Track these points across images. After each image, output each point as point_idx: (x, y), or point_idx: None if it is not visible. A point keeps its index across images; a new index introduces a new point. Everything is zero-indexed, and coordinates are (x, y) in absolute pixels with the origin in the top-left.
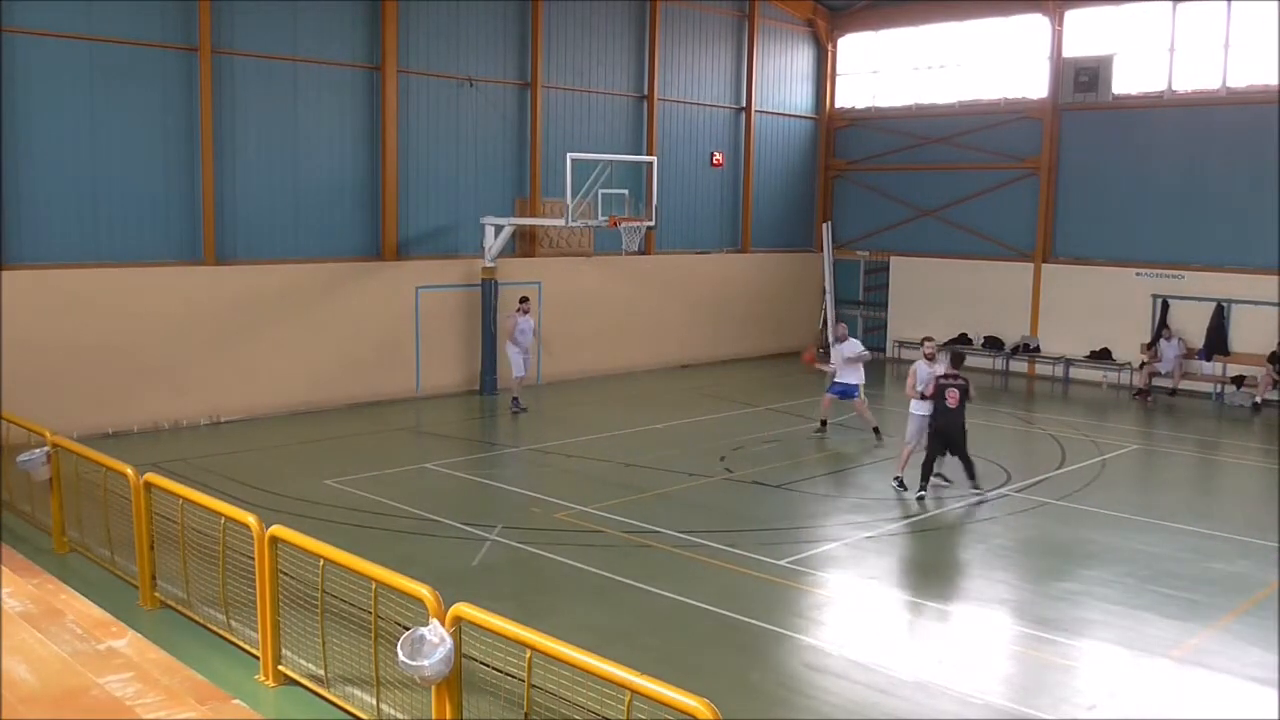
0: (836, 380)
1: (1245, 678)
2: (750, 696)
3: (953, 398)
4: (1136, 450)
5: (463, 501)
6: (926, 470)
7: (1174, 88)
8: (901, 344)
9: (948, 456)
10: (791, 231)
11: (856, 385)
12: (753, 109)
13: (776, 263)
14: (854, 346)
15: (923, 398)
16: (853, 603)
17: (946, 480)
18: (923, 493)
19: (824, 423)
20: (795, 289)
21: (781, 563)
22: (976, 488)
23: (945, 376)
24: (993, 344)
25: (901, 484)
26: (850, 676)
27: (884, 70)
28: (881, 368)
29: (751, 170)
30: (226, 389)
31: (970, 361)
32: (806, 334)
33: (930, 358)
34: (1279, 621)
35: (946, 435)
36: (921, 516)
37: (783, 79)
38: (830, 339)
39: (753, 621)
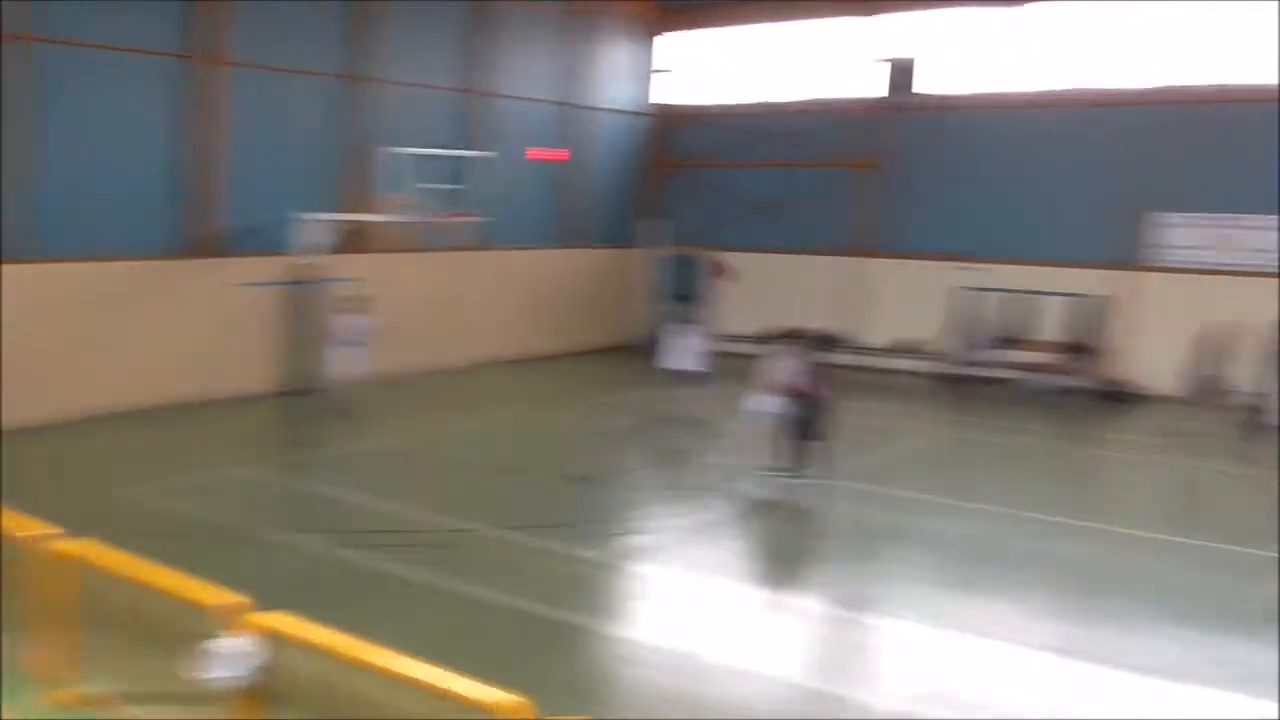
0: (686, 369)
1: (1042, 648)
2: (565, 693)
3: (822, 388)
4: (947, 436)
5: (280, 506)
6: (795, 457)
7: (993, 89)
8: (734, 338)
9: (802, 444)
10: (624, 227)
11: (702, 373)
12: (585, 105)
13: (608, 258)
14: (702, 334)
15: (792, 392)
16: (670, 592)
17: (789, 469)
18: (798, 479)
19: (661, 418)
20: (627, 284)
21: (601, 556)
22: (824, 477)
23: (814, 367)
24: (820, 337)
25: (773, 471)
26: (663, 666)
27: (717, 68)
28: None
29: (584, 166)
30: (39, 393)
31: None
32: (638, 329)
33: (793, 351)
34: None
35: (815, 424)
36: (741, 505)
37: (615, 75)
38: (677, 331)
39: (572, 616)
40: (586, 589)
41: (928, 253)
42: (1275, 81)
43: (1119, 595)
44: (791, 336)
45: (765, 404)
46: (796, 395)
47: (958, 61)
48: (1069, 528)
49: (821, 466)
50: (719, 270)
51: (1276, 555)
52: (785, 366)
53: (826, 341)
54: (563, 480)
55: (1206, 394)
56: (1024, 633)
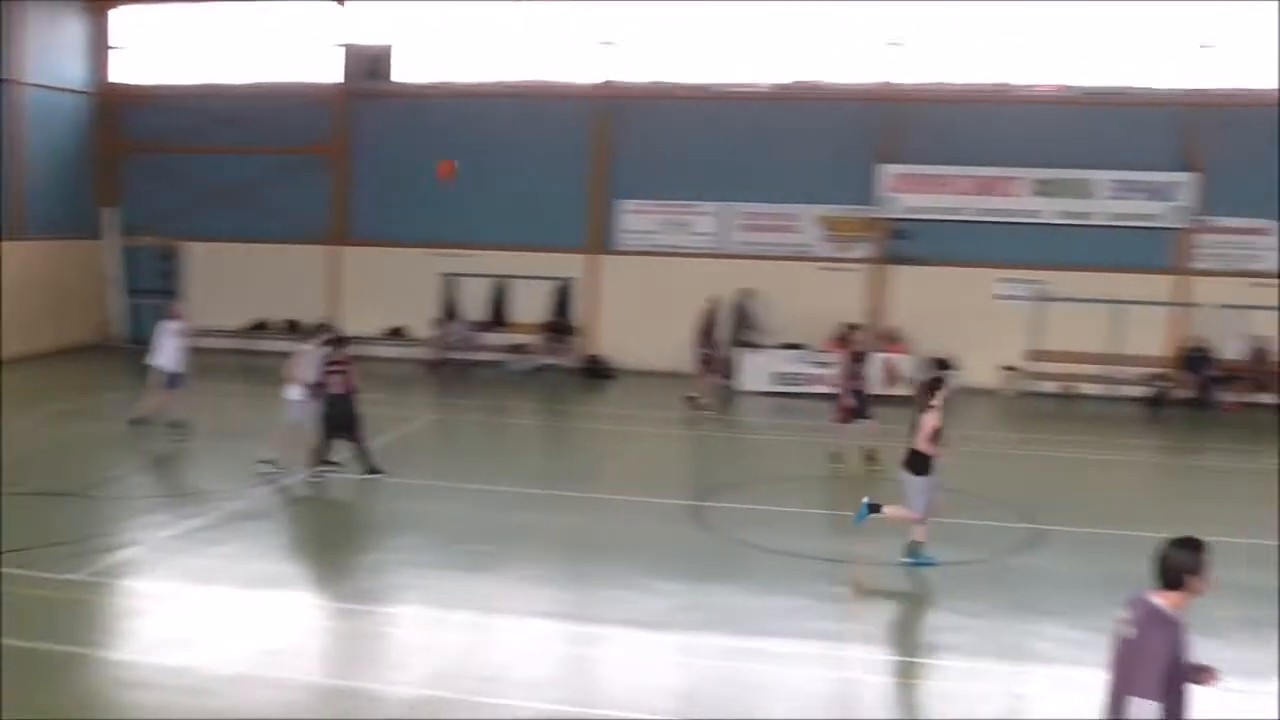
0: (164, 367)
1: (544, 615)
2: None
3: (342, 383)
4: (435, 420)
5: None
6: (318, 454)
7: (467, 79)
8: (207, 332)
9: (327, 438)
10: (71, 217)
11: (179, 372)
12: (18, 82)
13: (53, 251)
14: (178, 330)
15: (312, 385)
16: (165, 606)
17: (335, 464)
18: (318, 477)
19: (143, 420)
20: (76, 278)
21: (80, 577)
22: (375, 471)
23: (333, 362)
24: (294, 328)
25: (273, 466)
26: (162, 684)
27: (173, 46)
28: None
29: (19, 150)
30: None
31: (271, 346)
32: (91, 326)
33: (321, 343)
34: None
35: (340, 421)
36: (232, 507)
37: (53, 50)
38: (154, 326)
39: (52, 646)
40: (70, 614)
41: (410, 240)
42: (714, 80)
43: (609, 557)
44: (311, 330)
45: (292, 397)
46: (321, 389)
47: (432, 50)
48: (562, 498)
49: (347, 459)
50: (444, 171)
51: (742, 506)
52: (308, 360)
53: (344, 335)
54: (22, 497)
55: (705, 365)
56: (527, 603)
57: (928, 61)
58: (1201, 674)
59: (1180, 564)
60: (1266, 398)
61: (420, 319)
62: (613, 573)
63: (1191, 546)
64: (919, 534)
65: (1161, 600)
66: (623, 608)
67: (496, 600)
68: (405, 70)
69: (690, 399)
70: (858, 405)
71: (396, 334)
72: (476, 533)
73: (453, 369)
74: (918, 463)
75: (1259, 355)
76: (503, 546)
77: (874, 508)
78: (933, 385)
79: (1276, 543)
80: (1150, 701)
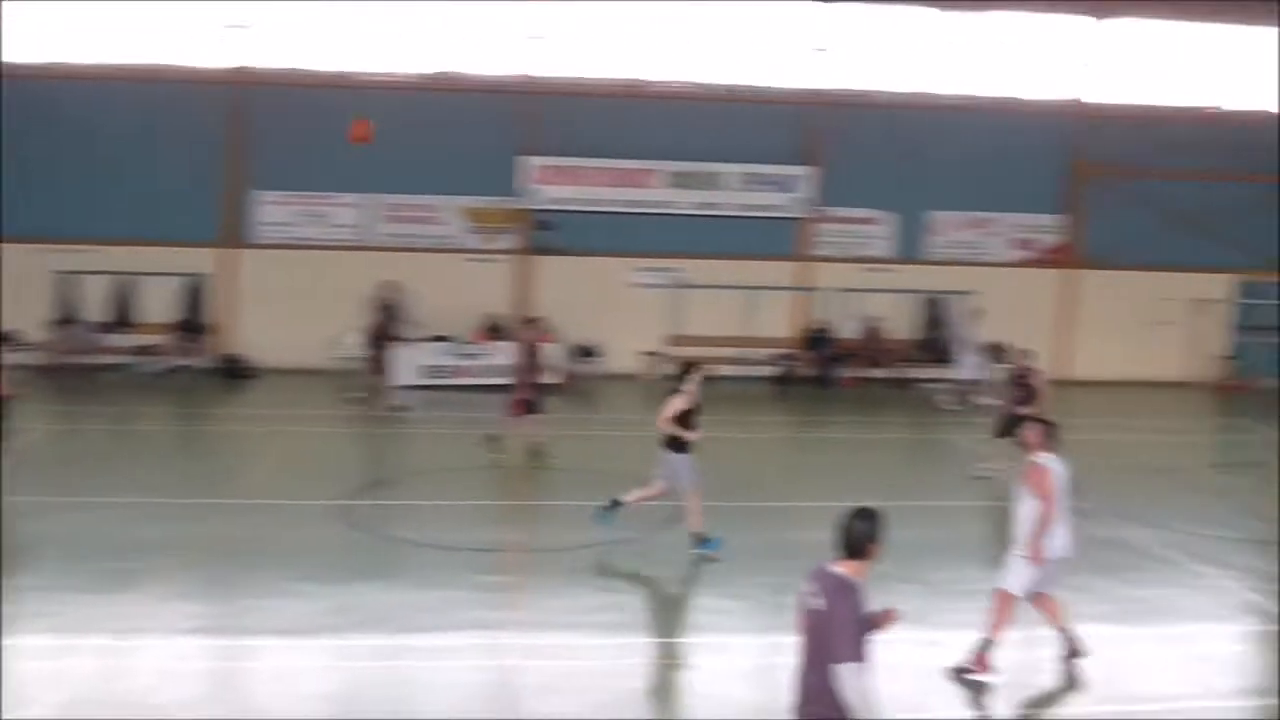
0: None
1: (188, 631)
2: None
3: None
4: (55, 431)
5: None
6: None
7: (76, 60)
8: None
9: None
10: None
11: None
12: None
13: None
14: None
15: None
16: None
17: None
18: None
19: None
20: None
21: None
22: None
23: None
24: None
25: None
26: None
27: None
28: None
29: None
30: None
31: None
32: None
33: None
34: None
35: None
36: None
37: None
38: None
39: None
40: None
41: (19, 235)
42: (355, 69)
43: (255, 564)
44: None
45: None
46: None
47: (45, 28)
48: (203, 506)
49: None
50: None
51: (394, 502)
52: None
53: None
54: None
55: (374, 363)
56: (169, 619)
57: (568, 56)
58: (884, 619)
59: (861, 533)
60: (879, 373)
61: (32, 321)
62: (259, 580)
63: (870, 517)
64: (695, 522)
65: (844, 569)
66: (271, 616)
67: (135, 620)
68: (12, 49)
69: (360, 399)
70: (533, 399)
71: (5, 339)
72: (109, 550)
73: (73, 374)
74: (677, 441)
75: (872, 334)
76: (139, 562)
77: (615, 504)
78: (686, 369)
79: (897, 504)
80: (851, 664)
